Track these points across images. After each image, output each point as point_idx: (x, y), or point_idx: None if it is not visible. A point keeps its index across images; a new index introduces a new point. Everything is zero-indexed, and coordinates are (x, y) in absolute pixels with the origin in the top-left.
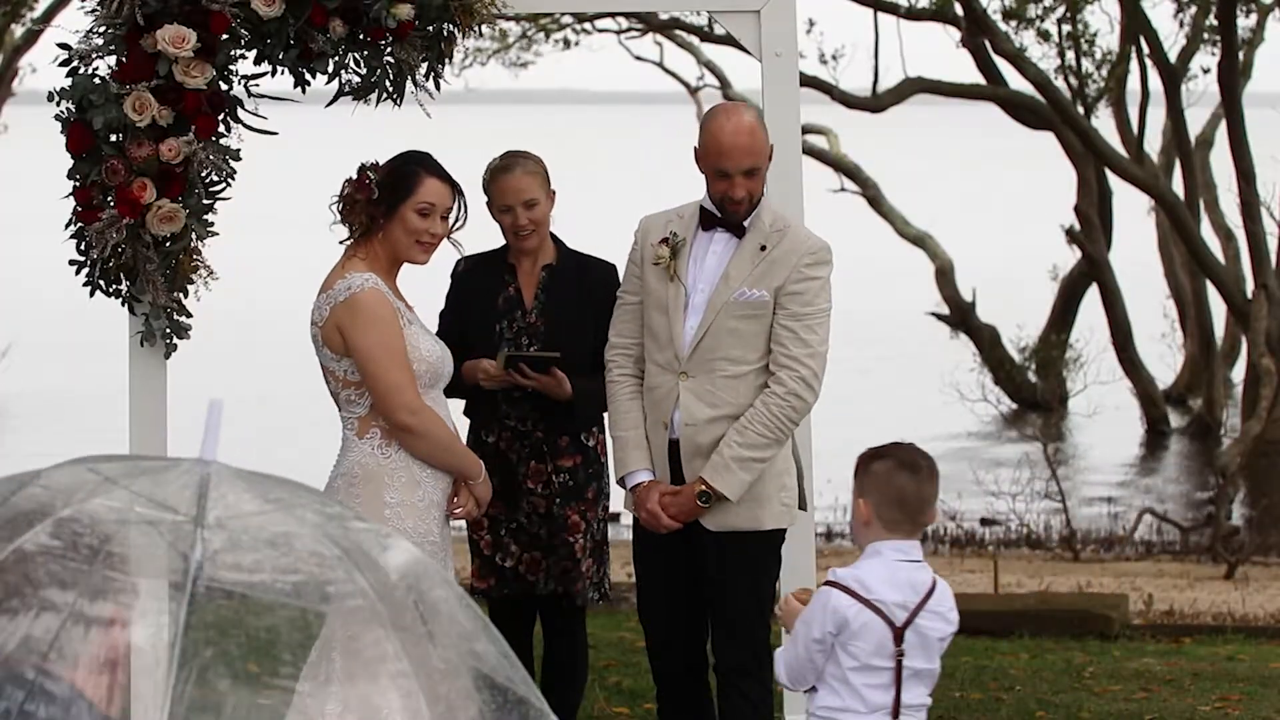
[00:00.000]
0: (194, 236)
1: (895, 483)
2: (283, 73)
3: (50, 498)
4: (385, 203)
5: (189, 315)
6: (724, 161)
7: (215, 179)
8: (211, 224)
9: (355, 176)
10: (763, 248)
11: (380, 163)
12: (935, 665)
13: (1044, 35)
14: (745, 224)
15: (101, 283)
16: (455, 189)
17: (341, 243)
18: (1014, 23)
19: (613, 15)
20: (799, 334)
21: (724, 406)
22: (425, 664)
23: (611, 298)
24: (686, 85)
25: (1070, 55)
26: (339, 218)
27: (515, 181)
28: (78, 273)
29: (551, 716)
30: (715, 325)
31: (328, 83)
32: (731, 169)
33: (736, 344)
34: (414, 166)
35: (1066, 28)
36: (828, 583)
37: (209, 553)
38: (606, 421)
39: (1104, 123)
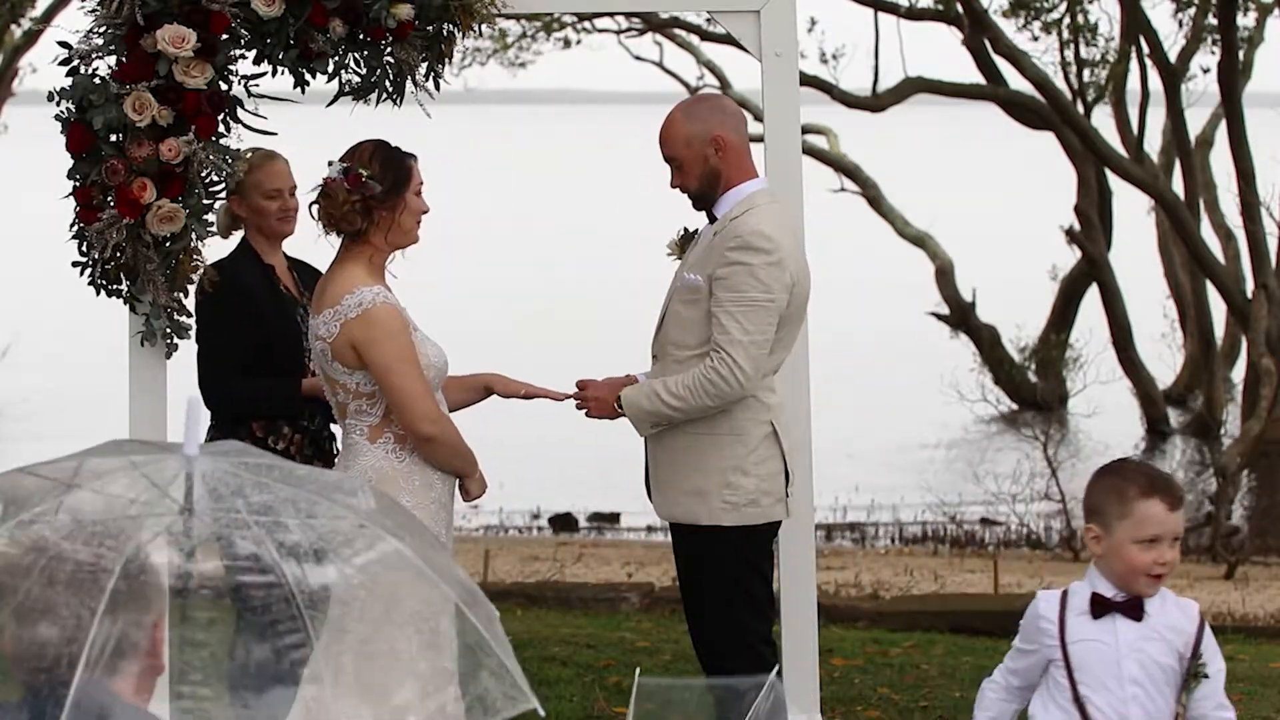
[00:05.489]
0: (194, 236)
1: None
2: (283, 73)
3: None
4: (391, 194)
5: (189, 315)
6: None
7: (215, 179)
8: (211, 224)
9: (345, 182)
10: (716, 233)
11: (339, 162)
12: None
13: (1047, 28)
14: (716, 210)
15: (103, 282)
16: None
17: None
18: (1021, 13)
19: (612, 15)
20: (721, 319)
21: None
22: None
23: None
24: (686, 85)
25: (1071, 50)
26: (326, 225)
27: (284, 166)
28: (81, 273)
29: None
30: (669, 310)
31: (328, 83)
32: (663, 155)
33: (680, 329)
34: (396, 151)
35: (1067, 20)
36: None
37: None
38: None
39: (1104, 122)
